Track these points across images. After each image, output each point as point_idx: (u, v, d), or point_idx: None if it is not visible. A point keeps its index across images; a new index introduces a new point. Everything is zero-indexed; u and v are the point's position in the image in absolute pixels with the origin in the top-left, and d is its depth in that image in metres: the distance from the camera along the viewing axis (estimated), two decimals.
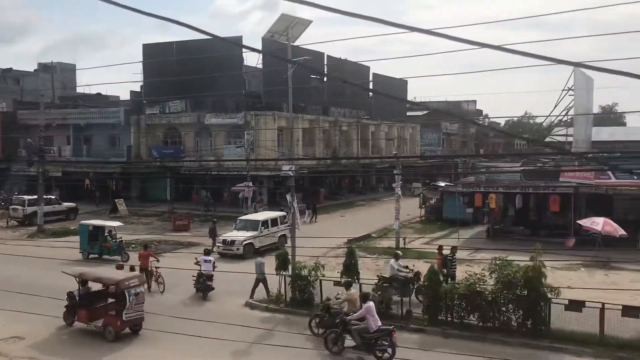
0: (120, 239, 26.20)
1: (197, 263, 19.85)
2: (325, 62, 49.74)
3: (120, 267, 18.96)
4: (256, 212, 34.00)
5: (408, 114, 68.58)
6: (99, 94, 59.72)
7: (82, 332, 15.95)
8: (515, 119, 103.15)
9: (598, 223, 23.65)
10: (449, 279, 18.02)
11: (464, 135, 78.05)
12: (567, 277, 20.55)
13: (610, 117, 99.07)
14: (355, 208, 45.92)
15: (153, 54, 47.44)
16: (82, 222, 28.09)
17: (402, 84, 62.34)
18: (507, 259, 15.56)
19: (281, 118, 43.62)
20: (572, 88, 42.68)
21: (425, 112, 70.31)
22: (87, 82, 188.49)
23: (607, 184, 26.88)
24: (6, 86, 66.22)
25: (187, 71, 42.34)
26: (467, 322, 15.57)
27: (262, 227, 27.01)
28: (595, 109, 66.95)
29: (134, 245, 27.28)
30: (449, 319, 15.78)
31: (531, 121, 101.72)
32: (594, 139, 52.51)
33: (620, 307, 13.99)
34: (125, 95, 59.02)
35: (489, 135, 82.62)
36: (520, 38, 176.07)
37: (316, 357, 14.12)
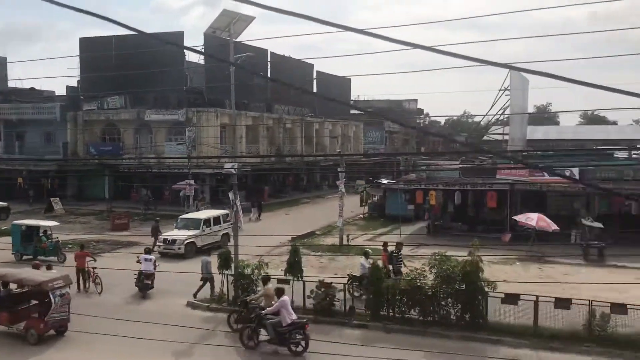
0: (56, 239, 25.31)
1: (138, 262, 19.55)
2: (269, 59, 49.50)
3: (36, 267, 18.30)
4: (198, 210, 33.58)
5: (352, 112, 69.15)
6: (32, 89, 57.22)
7: (2, 335, 15.31)
8: (455, 117, 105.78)
9: (532, 219, 24.52)
10: (395, 275, 18.28)
11: (406, 133, 79.40)
12: (503, 271, 21.25)
13: (545, 116, 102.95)
14: (300, 206, 46.00)
15: (91, 48, 45.85)
16: (14, 222, 27.01)
17: (345, 82, 62.76)
18: (446, 254, 15.95)
19: (224, 115, 43.12)
20: (508, 88, 44.12)
21: (368, 110, 71.10)
22: (19, 76, 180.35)
23: (541, 181, 27.90)
24: None
25: (127, 66, 41.14)
26: (408, 316, 15.86)
27: (204, 226, 26.67)
28: (530, 109, 69.40)
29: (70, 246, 26.42)
30: (391, 314, 16.02)
31: (470, 120, 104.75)
32: (529, 137, 54.55)
33: (553, 299, 14.59)
34: (61, 91, 56.87)
35: (431, 133, 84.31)
36: (459, 38, 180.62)
37: (254, 355, 14.09)
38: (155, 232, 27.28)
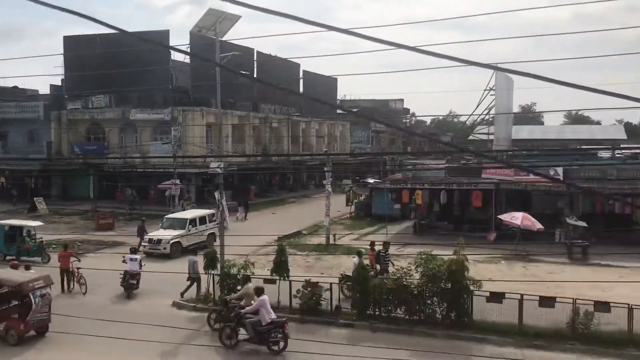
0: (40, 239, 25.08)
1: (124, 261, 19.50)
2: (255, 58, 49.37)
3: (14, 267, 18.11)
4: (184, 210, 33.41)
5: (339, 111, 69.21)
6: (15, 87, 56.59)
7: None
8: (441, 117, 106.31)
9: (517, 217, 24.71)
10: (382, 274, 18.31)
11: (392, 133, 79.62)
12: (488, 270, 21.38)
13: (529, 116, 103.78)
14: (286, 205, 45.96)
15: (75, 46, 45.41)
16: None
17: (331, 81, 62.77)
18: (432, 253, 16.02)
19: (210, 114, 42.92)
20: (493, 88, 44.33)
21: (355, 110, 71.17)
22: (2, 75, 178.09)
23: (526, 180, 28.10)
24: None
25: (112, 65, 40.77)
26: (395, 315, 15.91)
27: (190, 226, 26.55)
28: (515, 109, 69.88)
29: (54, 246, 26.14)
30: (377, 313, 16.06)
31: (455, 120, 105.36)
32: (514, 137, 54.86)
33: (538, 297, 14.71)
34: (45, 89, 56.33)
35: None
36: (445, 38, 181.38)
37: (233, 354, 14.08)
38: (141, 232, 27.11)
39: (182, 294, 18.33)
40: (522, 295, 14.73)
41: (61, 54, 45.45)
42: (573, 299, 14.44)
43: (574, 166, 28.11)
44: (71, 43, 46.11)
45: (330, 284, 16.54)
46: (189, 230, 26.39)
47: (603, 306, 14.19)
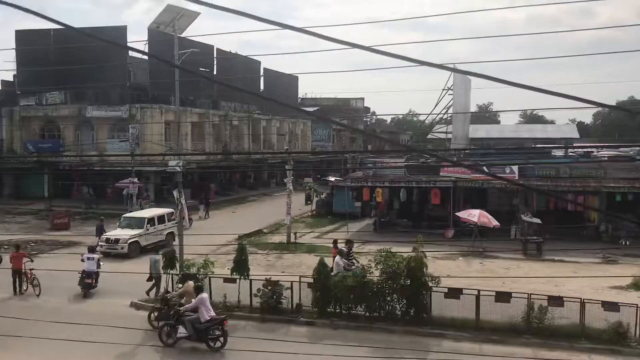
0: None
1: (83, 260, 19.17)
2: (215, 56, 48.88)
3: None
4: (142, 209, 32.87)
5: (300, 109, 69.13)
6: None
7: None
8: (401, 116, 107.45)
9: (474, 215, 25.19)
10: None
11: (353, 131, 79.99)
12: (446, 267, 21.74)
13: (486, 115, 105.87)
14: (247, 203, 45.74)
15: (28, 41, 44.09)
16: None
17: (292, 79, 62.68)
18: (392, 250, 16.17)
19: (169, 111, 42.27)
20: (452, 88, 45.09)
21: (316, 108, 71.31)
22: None
23: (482, 178, 28.64)
24: None
25: (67, 60, 39.80)
26: (355, 312, 16.00)
27: (148, 225, 26.14)
28: (473, 108, 71.14)
29: (6, 247, 25.38)
30: (338, 310, 16.14)
31: (415, 118, 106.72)
32: (471, 136, 55.90)
33: (494, 293, 15.03)
34: None
35: (376, 132, 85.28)
36: (406, 38, 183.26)
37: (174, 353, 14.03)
38: (100, 231, 26.65)
39: (147, 293, 18.12)
40: (479, 291, 15.02)
41: (13, 48, 44.10)
42: (528, 294, 14.79)
43: (529, 164, 28.83)
44: (24, 37, 44.70)
45: (291, 282, 16.52)
46: (148, 230, 25.99)
47: (556, 301, 14.58)
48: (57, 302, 18.23)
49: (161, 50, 35.16)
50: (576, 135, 71.55)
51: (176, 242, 21.14)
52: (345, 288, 15.94)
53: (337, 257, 18.07)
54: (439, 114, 48.27)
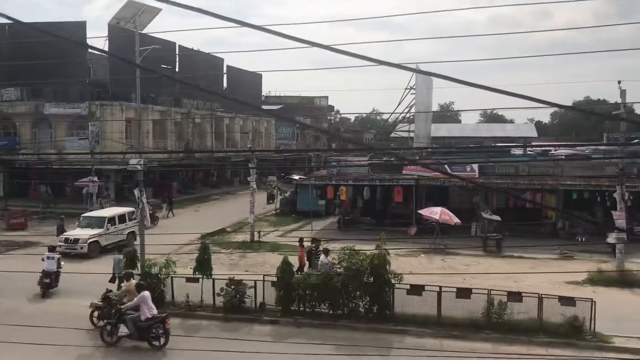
0: None
1: (43, 260, 18.80)
2: (177, 52, 48.24)
3: None
4: (102, 208, 32.27)
5: (263, 107, 68.86)
6: None
7: None
8: (364, 115, 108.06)
9: (436, 212, 25.55)
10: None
11: (317, 129, 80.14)
12: (409, 264, 22.02)
13: (447, 114, 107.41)
14: (210, 202, 45.38)
15: None
16: None
17: (256, 77, 62.35)
18: (355, 248, 16.28)
19: (129, 109, 41.55)
20: (414, 87, 45.61)
21: (280, 106, 71.16)
22: None
23: (444, 176, 29.06)
24: None
25: (24, 56, 38.67)
26: (319, 310, 16.05)
27: (109, 224, 25.68)
28: (435, 107, 72.19)
29: None
30: (302, 308, 16.16)
31: (378, 117, 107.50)
32: (433, 134, 56.74)
33: (455, 289, 15.29)
34: None
35: (340, 131, 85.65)
36: (370, 37, 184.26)
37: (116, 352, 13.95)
38: (61, 231, 26.12)
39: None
40: (440, 287, 15.25)
41: None
42: (488, 289, 15.09)
43: (489, 163, 29.39)
44: None
45: (255, 281, 16.46)
46: (108, 229, 25.54)
47: (515, 296, 14.93)
48: (12, 303, 17.67)
49: (122, 47, 34.49)
50: (534, 134, 73.36)
51: (137, 242, 20.83)
52: (309, 286, 15.99)
53: (322, 256, 18.00)
54: (402, 113, 48.77)
